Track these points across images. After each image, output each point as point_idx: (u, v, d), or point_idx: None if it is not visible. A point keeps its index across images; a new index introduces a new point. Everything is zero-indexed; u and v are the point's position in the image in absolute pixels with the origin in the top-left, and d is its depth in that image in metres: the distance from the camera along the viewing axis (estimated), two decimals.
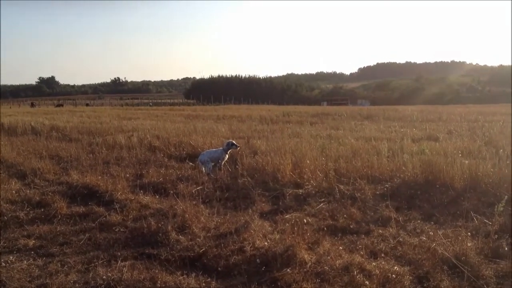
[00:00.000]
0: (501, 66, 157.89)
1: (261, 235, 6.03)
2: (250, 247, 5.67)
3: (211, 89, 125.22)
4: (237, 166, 10.24)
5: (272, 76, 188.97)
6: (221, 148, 10.58)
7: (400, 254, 5.52)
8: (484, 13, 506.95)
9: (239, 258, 5.43)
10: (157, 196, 8.33)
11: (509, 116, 26.78)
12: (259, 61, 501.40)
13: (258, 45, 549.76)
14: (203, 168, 10.01)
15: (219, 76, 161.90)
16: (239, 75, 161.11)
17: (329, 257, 5.30)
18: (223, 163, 10.36)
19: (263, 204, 7.82)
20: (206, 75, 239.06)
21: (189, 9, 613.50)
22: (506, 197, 6.83)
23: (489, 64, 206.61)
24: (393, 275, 4.78)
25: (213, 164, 10.20)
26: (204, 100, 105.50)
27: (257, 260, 5.33)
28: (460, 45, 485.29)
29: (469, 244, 5.53)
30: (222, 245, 5.82)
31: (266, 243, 5.74)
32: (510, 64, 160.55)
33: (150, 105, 74.54)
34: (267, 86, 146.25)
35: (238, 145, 10.64)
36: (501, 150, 10.97)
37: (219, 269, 5.28)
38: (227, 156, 10.44)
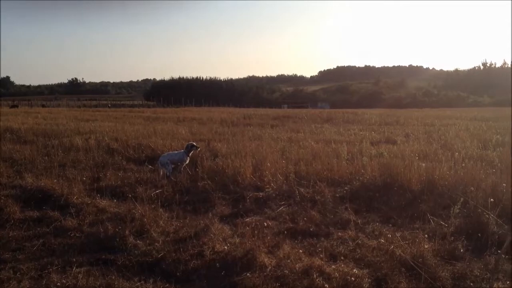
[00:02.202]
0: (456, 71, 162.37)
1: (221, 239, 5.98)
2: (210, 251, 5.61)
3: (172, 91, 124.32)
4: (197, 169, 10.13)
5: (233, 78, 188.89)
6: (182, 150, 10.46)
7: (359, 257, 5.56)
8: (440, 19, 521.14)
9: (198, 263, 5.37)
10: (115, 200, 8.14)
11: (464, 120, 27.59)
12: (220, 63, 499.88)
13: (219, 47, 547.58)
14: (163, 171, 9.86)
15: (180, 78, 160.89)
16: (200, 77, 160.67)
17: (289, 261, 5.29)
18: (183, 165, 10.20)
19: (224, 208, 7.77)
20: (166, 76, 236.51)
21: (149, 9, 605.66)
22: (461, 199, 7.00)
23: (444, 69, 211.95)
24: (352, 278, 4.81)
25: (173, 166, 10.03)
26: (165, 102, 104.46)
27: (217, 264, 5.28)
28: (417, 50, 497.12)
29: (426, 246, 5.63)
30: (181, 249, 5.74)
31: (226, 247, 5.70)
32: (465, 68, 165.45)
33: (108, 107, 73.14)
34: (228, 89, 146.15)
35: (198, 146, 10.57)
36: (457, 153, 11.25)
37: (178, 274, 5.20)
38: (188, 158, 10.29)
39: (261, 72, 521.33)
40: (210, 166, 10.17)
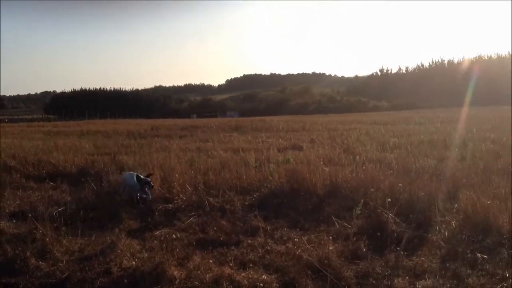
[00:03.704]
0: (356, 77, 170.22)
1: (128, 255, 5.84)
2: (117, 268, 5.46)
3: (74, 103, 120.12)
4: (102, 184, 9.82)
5: (139, 88, 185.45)
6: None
7: (268, 263, 5.65)
8: (338, 28, 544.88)
9: (105, 281, 5.20)
10: (14, 221, 7.68)
11: (365, 124, 28.99)
12: (125, 73, 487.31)
13: (123, 57, 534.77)
14: (132, 193, 8.54)
15: (82, 89, 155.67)
16: (104, 88, 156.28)
17: (199, 272, 5.28)
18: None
19: (131, 222, 7.58)
20: (68, 88, 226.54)
21: (45, 21, 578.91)
22: (362, 200, 7.37)
23: (346, 75, 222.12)
24: (261, 284, 4.89)
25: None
26: (67, 115, 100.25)
27: (125, 280, 5.15)
28: (320, 58, 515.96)
29: (330, 248, 5.84)
30: (87, 268, 5.53)
31: (134, 262, 5.58)
32: (364, 75, 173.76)
33: (6, 122, 68.95)
34: (134, 99, 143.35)
35: (152, 185, 8.58)
36: (358, 157, 11.83)
37: None
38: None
39: (168, 82, 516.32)
40: (117, 180, 9.89)
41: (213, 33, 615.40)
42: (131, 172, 9.10)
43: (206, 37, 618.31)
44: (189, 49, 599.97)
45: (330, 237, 6.37)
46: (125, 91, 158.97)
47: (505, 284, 4.77)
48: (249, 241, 6.49)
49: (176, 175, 9.63)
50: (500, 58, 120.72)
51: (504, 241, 5.88)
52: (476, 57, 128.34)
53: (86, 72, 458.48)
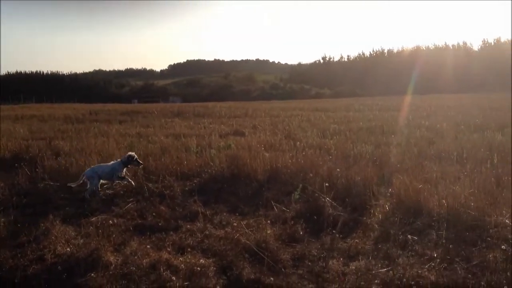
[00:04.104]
0: (299, 64, 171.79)
1: (63, 241, 5.72)
2: (51, 254, 5.34)
3: (8, 87, 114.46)
4: (37, 169, 9.49)
5: (78, 72, 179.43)
6: (118, 160, 8.61)
7: (207, 247, 5.68)
8: (282, 17, 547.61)
9: (38, 268, 5.08)
10: None
11: (306, 111, 29.40)
12: (63, 56, 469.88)
13: (61, 39, 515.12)
14: (90, 185, 8.10)
15: (17, 72, 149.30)
16: (40, 71, 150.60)
17: (136, 257, 5.24)
18: (119, 176, 8.40)
19: (67, 208, 7.42)
20: (2, 71, 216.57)
21: None
22: (301, 185, 7.51)
23: (289, 63, 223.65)
24: (198, 268, 4.91)
25: (104, 182, 8.43)
26: (0, 99, 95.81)
27: (59, 267, 5.04)
28: (263, 45, 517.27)
29: (269, 232, 5.93)
30: (20, 255, 5.39)
31: (68, 248, 5.47)
32: (307, 62, 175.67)
33: None
34: (72, 83, 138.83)
35: (141, 162, 8.71)
36: (298, 143, 11.99)
37: (16, 281, 4.86)
38: (124, 170, 8.47)
39: (108, 66, 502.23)
40: (52, 166, 9.59)
41: (156, 18, 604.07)
42: (92, 167, 8.49)
43: (148, 22, 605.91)
44: (130, 33, 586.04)
45: (269, 221, 6.47)
46: (63, 75, 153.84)
47: (433, 264, 4.99)
48: (188, 226, 6.49)
49: None
50: (437, 49, 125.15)
51: (433, 223, 6.15)
52: (414, 47, 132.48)
53: (22, 55, 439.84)
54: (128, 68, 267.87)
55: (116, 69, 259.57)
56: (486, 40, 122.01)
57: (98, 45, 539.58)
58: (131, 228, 6.36)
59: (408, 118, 19.75)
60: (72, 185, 8.12)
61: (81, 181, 8.11)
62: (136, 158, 8.52)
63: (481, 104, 30.32)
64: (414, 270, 4.82)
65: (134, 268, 4.94)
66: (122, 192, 8.16)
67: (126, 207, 7.36)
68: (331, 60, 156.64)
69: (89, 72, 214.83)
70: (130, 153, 8.68)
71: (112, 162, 8.62)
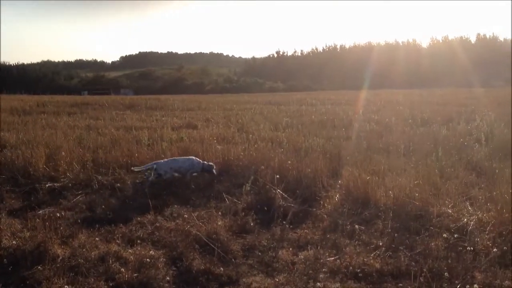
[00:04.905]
0: (253, 58, 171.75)
1: (9, 234, 5.59)
2: None
3: None
4: None
5: (25, 63, 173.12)
6: (198, 160, 8.55)
7: (157, 239, 5.67)
8: (237, 10, 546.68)
9: None
10: None
11: (260, 104, 29.53)
12: (9, 46, 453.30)
13: (8, 28, 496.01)
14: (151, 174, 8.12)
15: None
16: None
17: (84, 250, 5.18)
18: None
19: (13, 201, 7.25)
20: None
21: None
22: (252, 177, 7.57)
23: (243, 56, 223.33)
24: (148, 259, 4.90)
25: (177, 174, 8.37)
26: None
27: (4, 260, 4.91)
28: (217, 38, 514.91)
29: (219, 223, 5.98)
30: None
31: (14, 242, 5.34)
32: (261, 56, 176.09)
33: None
34: (19, 74, 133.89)
35: (215, 174, 8.54)
36: (251, 135, 12.08)
37: None
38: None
39: (57, 57, 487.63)
40: None
41: (108, 8, 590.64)
42: (166, 160, 8.57)
43: (99, 12, 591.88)
44: (80, 24, 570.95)
45: (220, 213, 6.51)
46: (10, 65, 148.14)
47: (378, 252, 5.17)
48: (139, 218, 6.46)
49: (63, 153, 9.21)
50: (388, 45, 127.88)
51: (380, 213, 6.36)
52: (366, 43, 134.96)
53: None
54: (78, 59, 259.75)
55: (66, 60, 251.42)
56: (434, 38, 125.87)
57: (47, 35, 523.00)
58: (79, 221, 6.26)
59: (359, 112, 20.16)
60: (136, 170, 8.28)
61: (147, 170, 8.19)
62: (213, 170, 8.47)
63: (429, 99, 31.26)
64: (360, 259, 4.99)
65: (82, 261, 4.87)
66: (70, 185, 7.99)
67: (74, 200, 7.24)
68: (285, 54, 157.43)
69: (37, 63, 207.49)
70: (212, 164, 8.59)
71: (185, 157, 8.67)
